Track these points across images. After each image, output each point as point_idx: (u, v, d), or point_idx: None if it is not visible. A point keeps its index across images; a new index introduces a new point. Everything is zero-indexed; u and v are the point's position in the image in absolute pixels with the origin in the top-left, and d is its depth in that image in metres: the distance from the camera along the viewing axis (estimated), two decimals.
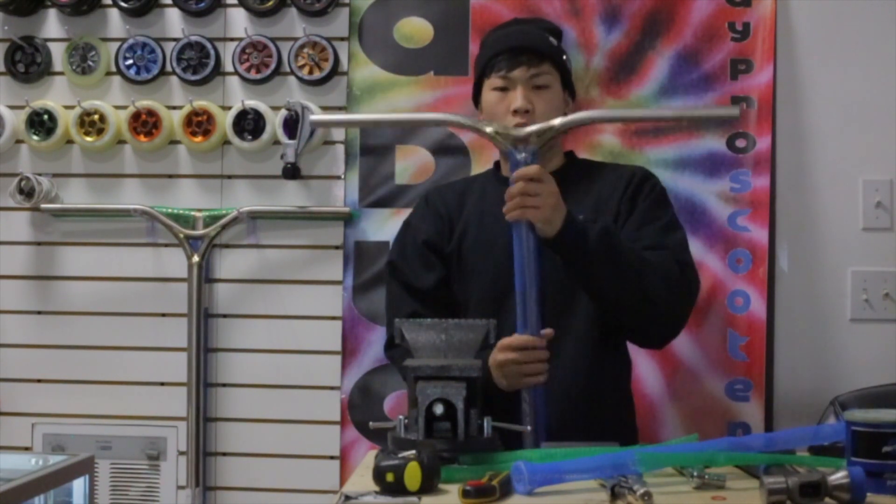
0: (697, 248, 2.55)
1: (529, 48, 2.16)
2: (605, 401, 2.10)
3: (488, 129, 2.07)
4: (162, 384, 2.73)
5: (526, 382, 1.96)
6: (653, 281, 1.99)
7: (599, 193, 2.15)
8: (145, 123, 2.69)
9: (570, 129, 2.14)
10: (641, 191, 2.14)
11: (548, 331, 1.99)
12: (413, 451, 1.54)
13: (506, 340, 1.96)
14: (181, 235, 2.68)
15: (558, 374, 2.03)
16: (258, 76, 2.69)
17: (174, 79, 2.73)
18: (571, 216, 1.97)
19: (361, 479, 1.61)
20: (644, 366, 2.52)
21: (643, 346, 2.23)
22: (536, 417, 1.97)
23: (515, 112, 2.12)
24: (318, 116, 2.13)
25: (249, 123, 2.66)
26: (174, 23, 2.74)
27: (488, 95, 2.18)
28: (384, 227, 2.65)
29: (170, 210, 2.70)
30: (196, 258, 2.67)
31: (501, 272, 2.10)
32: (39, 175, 2.70)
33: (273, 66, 2.69)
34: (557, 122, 2.05)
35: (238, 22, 2.73)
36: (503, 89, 2.15)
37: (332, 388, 2.67)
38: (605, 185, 2.17)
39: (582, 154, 2.39)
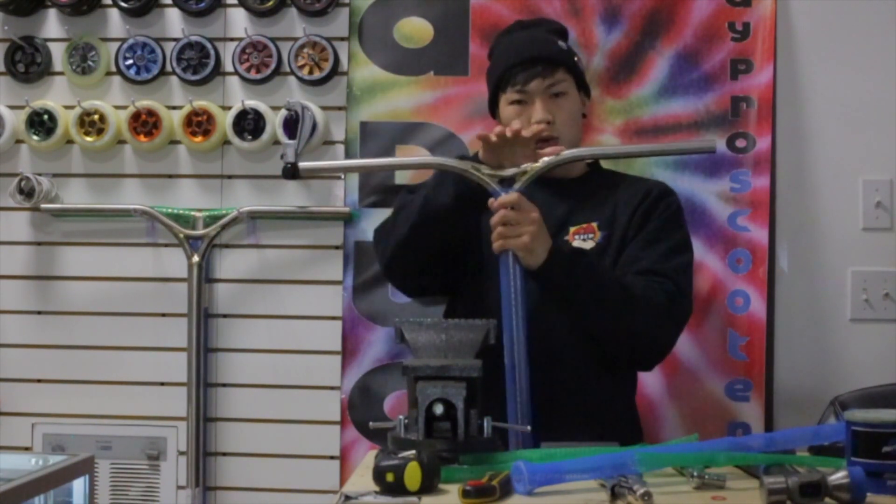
0: (697, 248, 2.54)
1: (542, 58, 2.15)
2: (610, 418, 2.10)
3: (475, 172, 2.02)
4: (162, 384, 2.73)
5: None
6: (636, 314, 2.01)
7: (616, 205, 2.15)
8: (145, 123, 2.69)
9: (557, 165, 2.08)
10: (656, 208, 2.14)
11: None
12: (413, 451, 1.54)
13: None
14: (181, 235, 2.67)
15: (560, 394, 2.04)
16: (258, 76, 2.69)
17: (174, 79, 2.73)
18: (556, 246, 1.97)
19: (361, 479, 1.61)
20: None
21: (630, 369, 2.23)
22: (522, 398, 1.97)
23: (538, 124, 2.10)
24: (308, 164, 2.15)
25: (249, 123, 2.66)
26: (174, 23, 2.74)
27: (506, 110, 2.17)
28: None
29: (170, 210, 2.70)
30: (196, 258, 2.67)
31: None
32: (39, 175, 2.70)
33: (273, 66, 2.69)
34: (539, 164, 2.01)
35: (238, 22, 2.73)
36: (520, 102, 2.14)
37: (332, 388, 2.67)
38: (622, 197, 2.17)
39: None
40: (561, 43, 2.22)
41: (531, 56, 2.15)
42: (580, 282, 1.97)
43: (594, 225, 2.13)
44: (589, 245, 2.10)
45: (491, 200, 1.97)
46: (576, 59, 2.22)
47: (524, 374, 1.96)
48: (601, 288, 1.99)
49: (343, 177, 2.68)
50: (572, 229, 2.13)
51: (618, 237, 2.12)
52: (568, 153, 2.09)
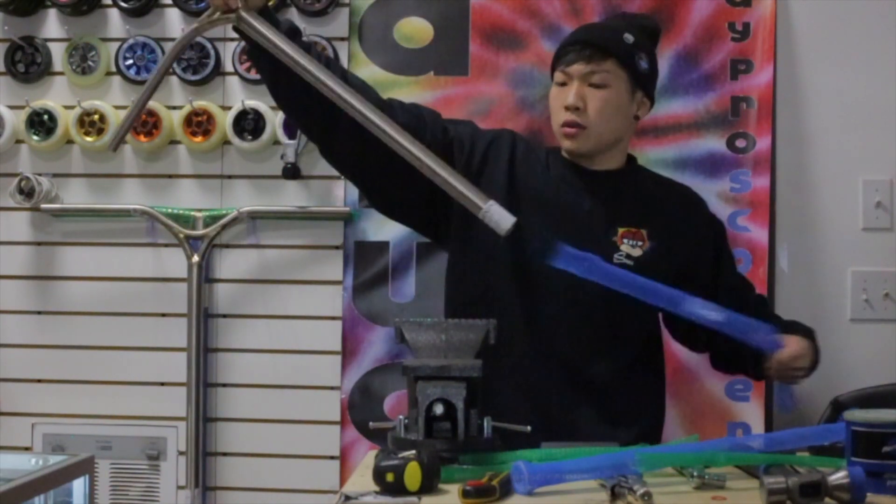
0: None
1: (593, 43, 2.07)
2: (641, 407, 2.11)
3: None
4: (162, 384, 2.73)
5: None
6: None
7: (664, 215, 2.12)
8: (145, 123, 2.69)
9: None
10: (723, 248, 2.23)
11: None
12: (413, 451, 1.54)
13: None
14: (181, 235, 2.68)
15: (595, 394, 2.04)
16: (258, 76, 2.69)
17: (174, 79, 2.73)
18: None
19: (361, 479, 1.61)
20: None
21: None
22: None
23: (567, 108, 2.06)
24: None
25: (249, 123, 2.66)
26: (174, 23, 2.74)
27: (552, 89, 2.11)
28: (384, 227, 2.65)
29: (170, 210, 2.70)
30: (196, 258, 2.67)
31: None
32: (39, 175, 2.70)
33: None
34: None
35: None
36: (563, 84, 2.08)
37: (332, 388, 2.67)
38: (668, 206, 2.14)
39: None
40: (627, 36, 2.09)
41: (583, 39, 2.09)
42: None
43: (643, 232, 2.08)
44: (637, 252, 2.06)
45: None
46: (638, 57, 2.10)
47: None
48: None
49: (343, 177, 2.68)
50: (621, 231, 2.07)
51: (664, 250, 2.08)
52: None
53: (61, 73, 2.76)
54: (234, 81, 2.73)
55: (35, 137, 2.71)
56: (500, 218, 1.85)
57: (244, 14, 1.93)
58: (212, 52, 2.70)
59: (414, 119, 2.06)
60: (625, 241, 2.07)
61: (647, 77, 2.12)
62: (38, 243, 2.78)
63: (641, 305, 1.96)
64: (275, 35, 1.93)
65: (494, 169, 2.09)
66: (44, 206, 2.70)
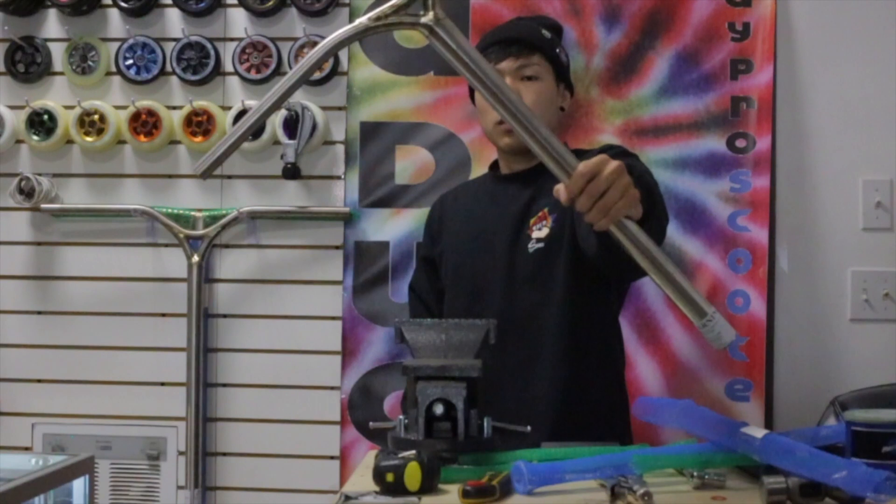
0: (697, 248, 2.55)
1: (518, 40, 2.16)
2: (592, 404, 2.07)
3: None
4: (162, 384, 2.73)
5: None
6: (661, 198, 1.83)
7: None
8: (145, 123, 2.69)
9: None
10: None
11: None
12: (413, 451, 1.54)
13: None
14: (181, 235, 2.68)
15: (538, 387, 2.04)
16: (258, 76, 2.69)
17: (174, 79, 2.73)
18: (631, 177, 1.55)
19: (361, 479, 1.61)
20: (644, 365, 2.52)
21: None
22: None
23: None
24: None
25: None
26: (174, 23, 2.74)
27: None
28: (384, 227, 2.65)
29: (170, 210, 2.70)
30: (196, 258, 2.67)
31: (479, 265, 2.12)
32: (39, 175, 2.70)
33: (273, 66, 2.69)
34: None
35: (238, 22, 2.73)
36: None
37: (332, 388, 2.67)
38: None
39: None
40: (545, 32, 2.21)
41: (507, 37, 2.17)
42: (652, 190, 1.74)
43: (545, 210, 2.09)
44: (544, 233, 2.06)
45: (559, 188, 1.53)
46: (558, 50, 2.20)
47: None
48: (650, 185, 1.75)
49: (343, 177, 2.69)
50: (531, 222, 2.10)
51: (569, 216, 2.02)
52: None
53: (61, 73, 2.76)
54: (234, 81, 2.73)
55: (35, 137, 2.71)
56: (721, 329, 1.58)
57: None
58: (212, 52, 2.70)
59: (430, 287, 2.28)
60: (534, 228, 2.09)
61: (566, 69, 2.23)
62: (38, 243, 2.78)
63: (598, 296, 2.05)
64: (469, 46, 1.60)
65: (442, 232, 2.26)
66: (44, 206, 2.70)
